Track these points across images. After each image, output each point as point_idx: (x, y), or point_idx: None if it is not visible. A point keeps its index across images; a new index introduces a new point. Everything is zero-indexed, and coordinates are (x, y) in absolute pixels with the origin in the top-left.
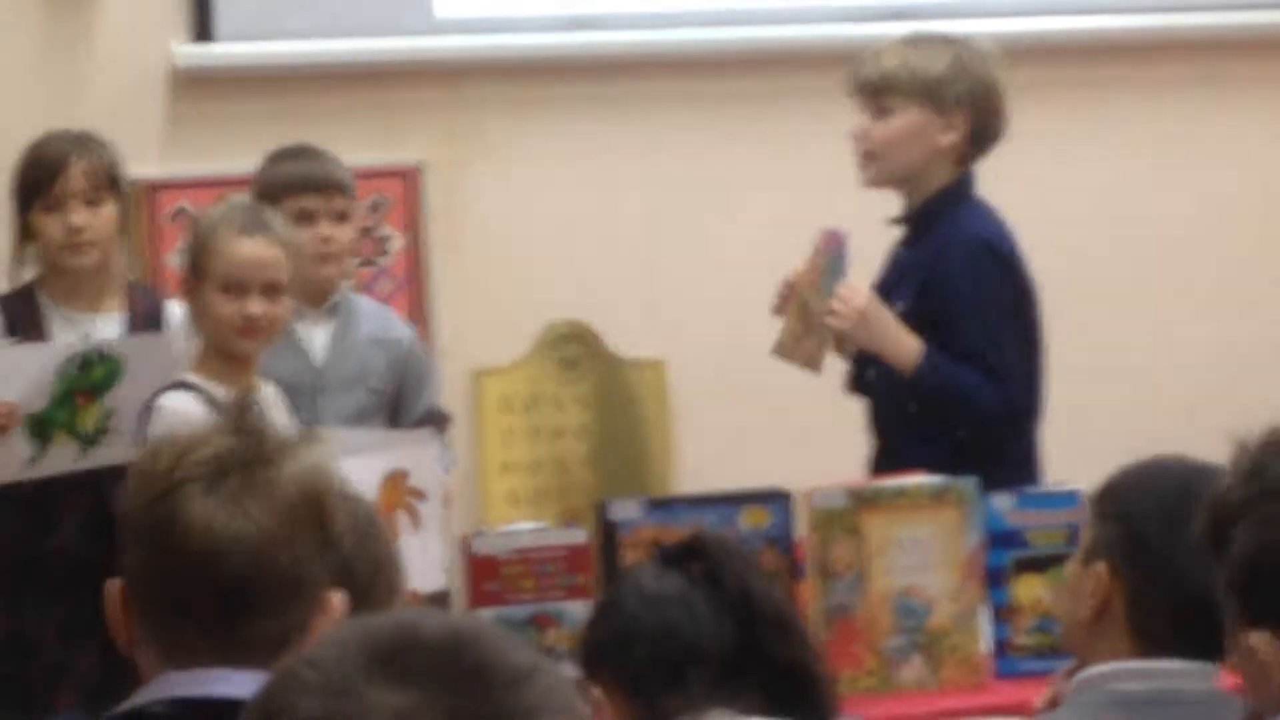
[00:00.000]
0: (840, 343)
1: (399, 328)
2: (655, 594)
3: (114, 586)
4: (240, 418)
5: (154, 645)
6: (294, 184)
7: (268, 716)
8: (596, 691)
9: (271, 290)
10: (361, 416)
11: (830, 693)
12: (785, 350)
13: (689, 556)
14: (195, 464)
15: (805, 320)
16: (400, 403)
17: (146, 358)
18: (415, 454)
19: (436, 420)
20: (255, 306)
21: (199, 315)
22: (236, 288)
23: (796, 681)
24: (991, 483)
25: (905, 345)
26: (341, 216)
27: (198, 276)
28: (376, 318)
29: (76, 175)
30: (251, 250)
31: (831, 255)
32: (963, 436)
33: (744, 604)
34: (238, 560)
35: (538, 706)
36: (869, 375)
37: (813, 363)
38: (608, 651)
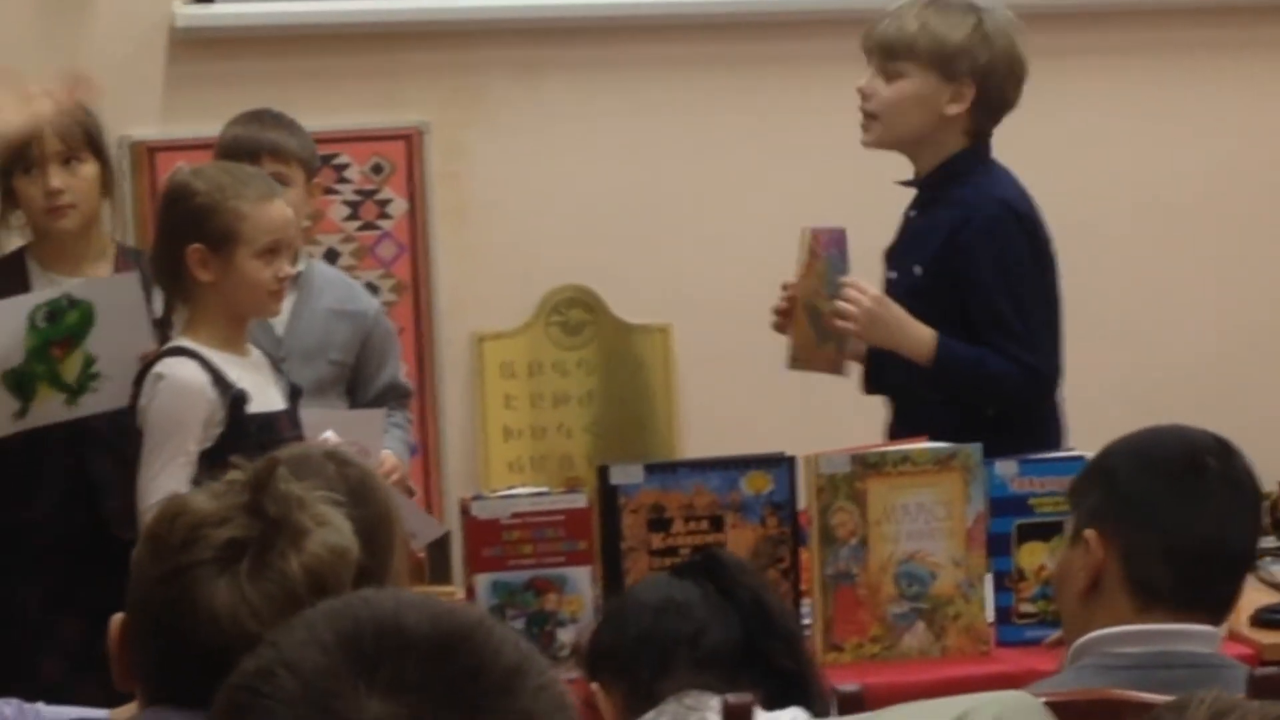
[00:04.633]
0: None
1: (363, 299)
2: (661, 597)
3: (116, 623)
4: (259, 497)
5: (146, 691)
6: (229, 149)
7: None
8: (595, 687)
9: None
10: (321, 388)
11: (824, 705)
12: (801, 360)
13: (703, 571)
14: (208, 546)
15: (817, 326)
16: (361, 375)
17: (116, 298)
18: (365, 429)
19: (398, 394)
20: (288, 266)
21: (220, 285)
22: (272, 251)
23: (795, 689)
24: (1018, 447)
25: (919, 337)
26: (283, 180)
27: (221, 244)
28: (339, 288)
29: (51, 136)
30: (282, 212)
31: (830, 254)
32: (991, 414)
33: (756, 611)
34: (240, 649)
35: (531, 709)
36: (887, 365)
37: (835, 367)
38: (607, 648)
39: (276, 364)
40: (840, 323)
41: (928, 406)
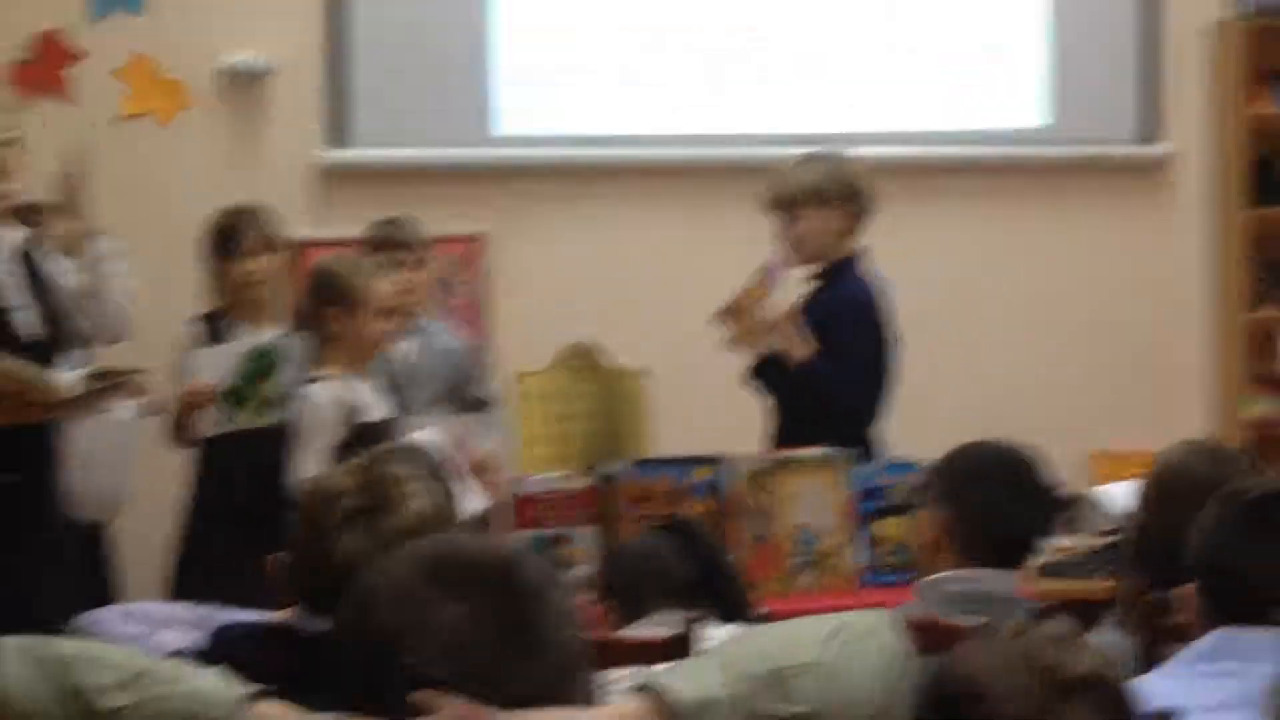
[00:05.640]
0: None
1: (461, 340)
2: (645, 547)
3: (276, 559)
4: (371, 476)
5: (296, 602)
6: (381, 242)
7: (356, 622)
8: (602, 607)
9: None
10: (435, 401)
11: (752, 615)
12: (739, 341)
13: (674, 530)
14: (338, 511)
15: (748, 317)
16: (462, 391)
17: (293, 351)
18: (464, 428)
19: (488, 402)
20: (395, 324)
21: (346, 334)
22: (381, 313)
23: (734, 611)
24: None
25: (801, 344)
26: (417, 266)
27: (351, 307)
28: (446, 333)
29: (250, 236)
30: (389, 287)
31: (773, 278)
32: (819, 419)
33: (710, 558)
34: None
35: (552, 615)
36: (773, 376)
37: (758, 346)
38: (610, 580)
39: (384, 387)
40: (772, 321)
41: (798, 418)
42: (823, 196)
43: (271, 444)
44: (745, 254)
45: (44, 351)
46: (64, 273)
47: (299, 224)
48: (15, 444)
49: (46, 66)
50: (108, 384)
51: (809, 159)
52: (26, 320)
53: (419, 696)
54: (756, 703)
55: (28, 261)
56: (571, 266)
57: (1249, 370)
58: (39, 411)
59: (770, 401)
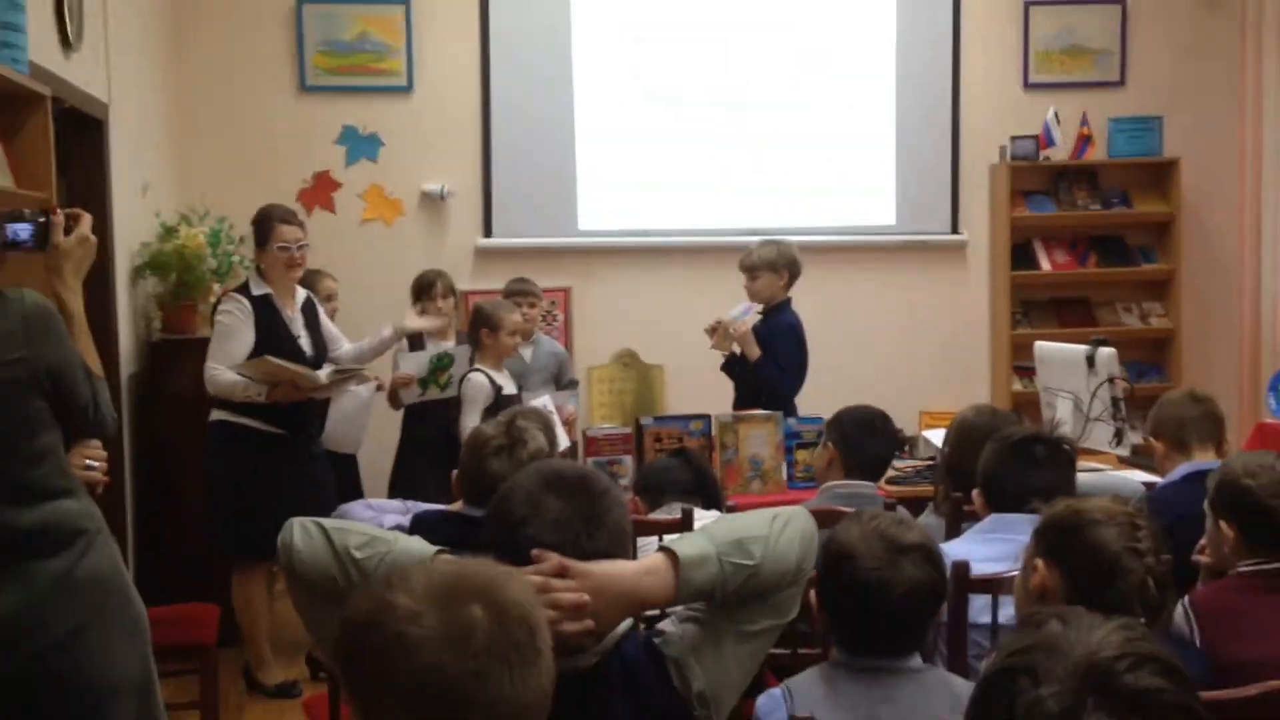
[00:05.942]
0: (730, 344)
1: (560, 348)
2: (662, 464)
3: (455, 475)
4: (509, 427)
5: (463, 498)
6: (512, 292)
7: (500, 515)
8: (637, 499)
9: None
10: (545, 385)
11: (725, 507)
12: (716, 346)
13: (679, 454)
14: (491, 446)
15: (724, 333)
16: (559, 378)
17: (461, 355)
18: (561, 399)
19: (574, 384)
20: (520, 339)
21: (492, 345)
22: (514, 332)
23: (714, 503)
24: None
25: (756, 349)
26: (532, 305)
27: (495, 329)
28: (550, 343)
29: (439, 287)
30: (518, 317)
31: (741, 311)
32: (765, 397)
33: (700, 470)
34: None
35: (612, 506)
36: (736, 369)
37: (726, 350)
38: (642, 485)
39: (515, 376)
40: (734, 331)
41: (748, 394)
42: (772, 265)
43: (449, 409)
44: (725, 299)
45: (313, 360)
46: (325, 319)
47: (465, 281)
48: (290, 412)
49: (321, 191)
50: (345, 376)
51: (764, 243)
52: (305, 343)
53: (535, 553)
54: (728, 558)
55: (307, 307)
56: (622, 306)
57: (1011, 364)
58: (305, 393)
59: (734, 383)
